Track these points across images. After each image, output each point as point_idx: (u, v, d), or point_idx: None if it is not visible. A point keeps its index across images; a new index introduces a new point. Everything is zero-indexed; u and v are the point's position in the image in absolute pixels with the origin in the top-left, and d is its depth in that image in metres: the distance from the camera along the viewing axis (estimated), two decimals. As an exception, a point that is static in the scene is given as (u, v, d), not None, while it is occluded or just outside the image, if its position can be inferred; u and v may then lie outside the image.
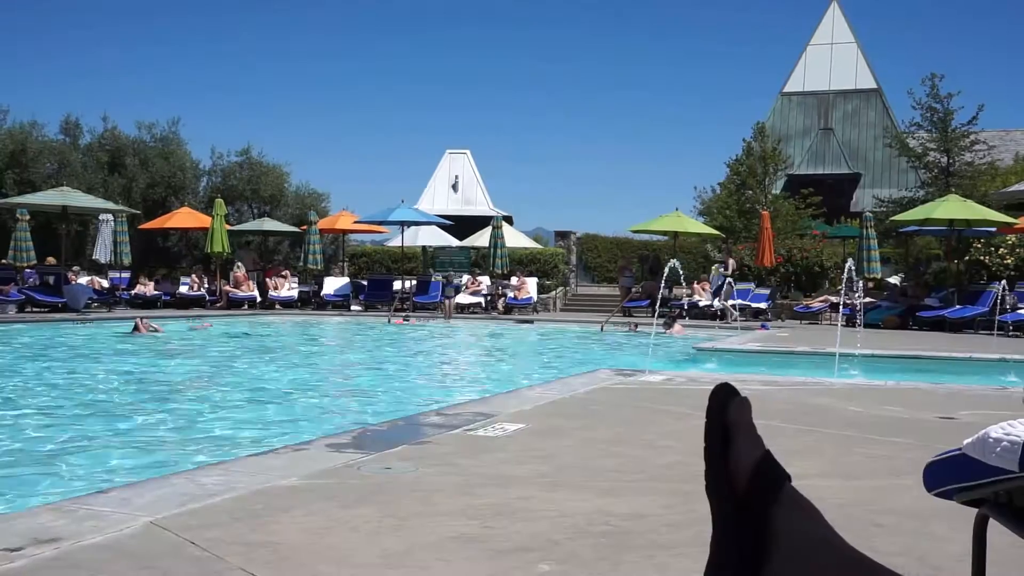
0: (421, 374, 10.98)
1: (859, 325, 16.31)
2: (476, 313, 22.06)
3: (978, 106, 26.64)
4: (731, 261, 22.81)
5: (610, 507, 3.33)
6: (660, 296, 16.26)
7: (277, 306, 22.10)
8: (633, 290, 23.22)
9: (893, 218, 22.30)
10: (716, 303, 20.55)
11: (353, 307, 22.48)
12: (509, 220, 30.70)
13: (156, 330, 14.67)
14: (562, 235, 28.68)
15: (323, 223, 25.18)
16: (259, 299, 22.42)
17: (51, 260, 20.34)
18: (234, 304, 21.80)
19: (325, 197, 31.83)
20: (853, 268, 17.10)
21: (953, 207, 19.10)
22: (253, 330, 16.80)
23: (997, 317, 16.60)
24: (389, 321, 18.99)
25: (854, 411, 6.16)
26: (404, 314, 20.21)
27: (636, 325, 17.20)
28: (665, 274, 12.35)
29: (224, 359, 11.94)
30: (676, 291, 21.28)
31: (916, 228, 22.09)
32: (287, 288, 22.71)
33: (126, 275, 21.80)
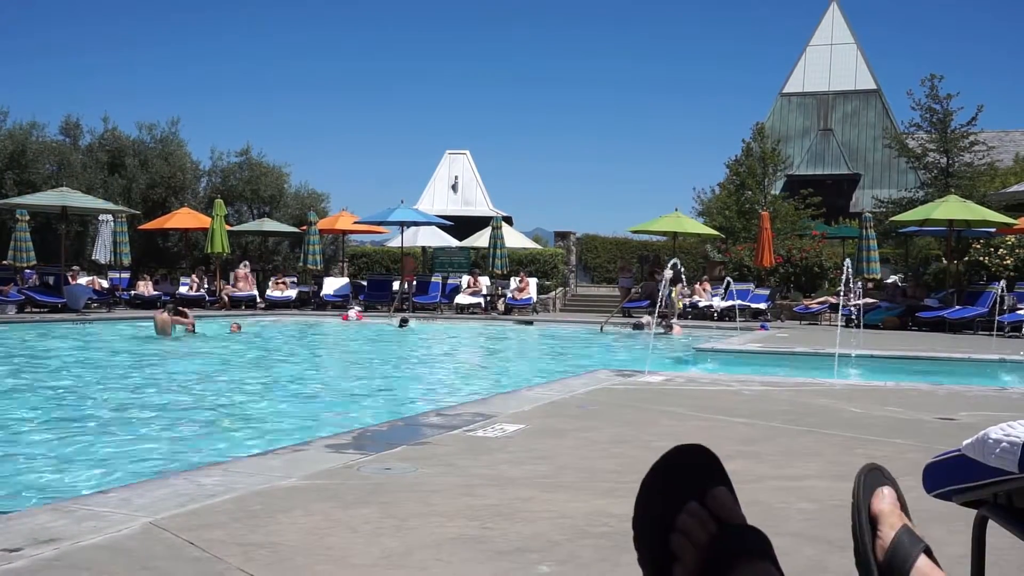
0: (421, 374, 10.98)
1: (859, 326, 16.33)
2: (476, 313, 22.07)
3: (977, 107, 26.70)
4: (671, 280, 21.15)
5: (610, 508, 3.33)
6: (660, 297, 16.23)
7: (255, 304, 22.11)
8: (633, 290, 23.24)
9: (893, 218, 22.32)
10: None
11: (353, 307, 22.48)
12: (509, 220, 30.70)
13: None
14: (562, 235, 28.70)
15: (323, 223, 25.18)
16: (258, 299, 22.48)
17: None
18: (234, 304, 21.83)
19: (325, 197, 31.85)
20: (851, 269, 17.10)
21: (952, 208, 19.12)
22: (255, 330, 16.80)
23: (997, 318, 16.61)
24: (389, 322, 18.97)
25: (854, 412, 6.16)
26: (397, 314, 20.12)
27: (650, 323, 16.99)
28: (668, 276, 12.27)
29: (225, 360, 11.94)
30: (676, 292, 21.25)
31: (916, 229, 22.11)
32: (248, 289, 22.60)
33: (126, 275, 21.81)
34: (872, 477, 0.97)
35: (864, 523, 0.94)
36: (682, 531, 0.71)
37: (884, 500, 0.96)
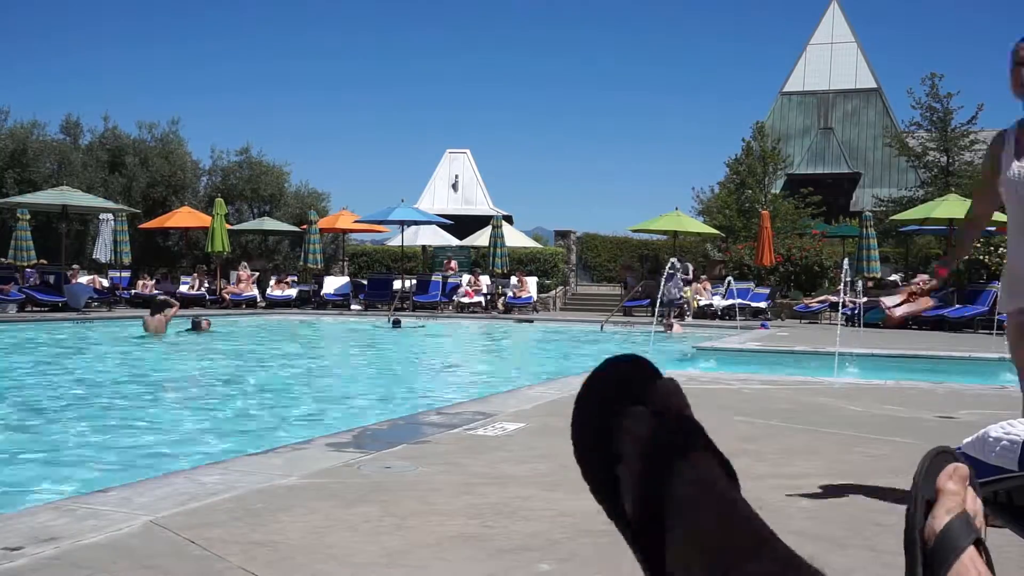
0: (421, 373, 10.98)
1: (859, 324, 16.34)
2: (476, 312, 22.08)
3: (978, 105, 26.74)
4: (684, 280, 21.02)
5: (610, 506, 3.33)
6: (660, 296, 16.23)
7: (255, 304, 22.09)
8: (634, 289, 23.27)
9: (893, 217, 22.32)
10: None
11: (353, 306, 22.49)
12: (509, 219, 30.70)
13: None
14: (562, 234, 28.70)
15: (323, 222, 25.18)
16: (259, 298, 22.50)
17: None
18: (235, 304, 21.86)
19: (325, 197, 31.83)
20: (851, 268, 17.11)
21: (953, 206, 19.11)
22: (255, 329, 16.80)
23: (997, 316, 16.60)
24: (389, 320, 18.97)
25: (854, 410, 6.16)
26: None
27: (680, 316, 16.56)
28: (670, 274, 12.22)
29: (223, 359, 11.94)
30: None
31: (916, 227, 22.11)
32: (249, 289, 22.60)
33: (126, 274, 21.82)
34: (941, 459, 0.88)
35: (920, 504, 0.86)
36: (626, 430, 0.69)
37: (952, 477, 0.82)
